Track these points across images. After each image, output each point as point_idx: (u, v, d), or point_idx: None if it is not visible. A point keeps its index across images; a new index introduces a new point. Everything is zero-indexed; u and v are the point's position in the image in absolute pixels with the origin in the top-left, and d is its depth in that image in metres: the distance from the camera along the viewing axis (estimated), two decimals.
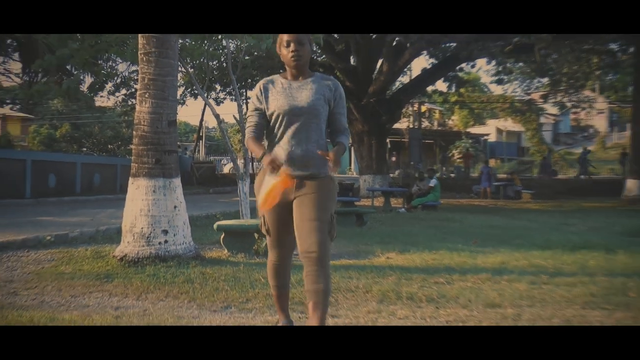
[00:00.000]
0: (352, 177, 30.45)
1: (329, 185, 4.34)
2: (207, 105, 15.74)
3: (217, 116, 12.06)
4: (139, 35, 7.86)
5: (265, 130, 4.41)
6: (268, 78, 4.50)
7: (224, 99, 27.44)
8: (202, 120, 41.05)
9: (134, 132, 7.92)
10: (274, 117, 4.30)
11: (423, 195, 19.34)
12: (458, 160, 40.12)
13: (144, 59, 7.75)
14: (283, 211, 4.27)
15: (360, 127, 25.33)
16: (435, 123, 49.88)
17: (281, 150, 4.27)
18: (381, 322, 5.25)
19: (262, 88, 4.38)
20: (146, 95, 7.72)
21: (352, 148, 32.46)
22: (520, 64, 29.20)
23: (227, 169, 41.22)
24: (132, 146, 7.86)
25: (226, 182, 28.61)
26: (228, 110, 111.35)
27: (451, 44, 25.19)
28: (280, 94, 4.33)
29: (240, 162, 11.07)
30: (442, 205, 19.99)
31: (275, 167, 3.93)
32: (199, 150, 42.72)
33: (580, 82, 32.10)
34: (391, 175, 28.89)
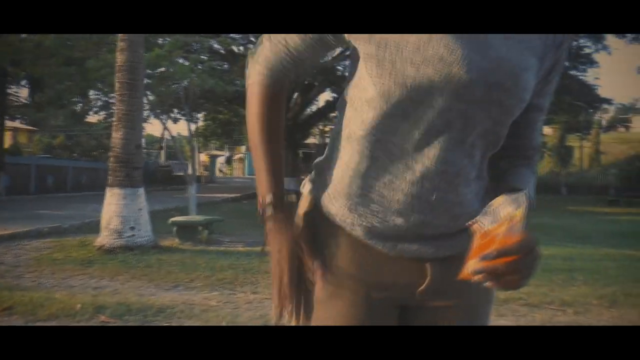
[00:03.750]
0: None
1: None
2: (165, 126, 15.61)
3: (172, 136, 11.89)
4: (116, 80, 7.76)
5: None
6: None
7: (180, 119, 26.86)
8: (163, 134, 40.45)
9: (111, 153, 7.77)
10: (408, 90, 0.93)
11: None
12: None
13: (118, 98, 7.71)
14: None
15: None
16: None
17: (394, 191, 1.01)
18: None
19: None
20: (120, 126, 7.62)
21: None
22: None
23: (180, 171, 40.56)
24: (109, 163, 7.72)
25: (179, 181, 27.90)
26: (182, 127, 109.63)
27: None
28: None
29: (189, 168, 10.90)
30: None
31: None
32: (160, 157, 41.88)
33: None
34: (302, 177, 28.97)
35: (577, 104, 27.53)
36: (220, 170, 45.38)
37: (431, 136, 0.98)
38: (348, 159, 1.06)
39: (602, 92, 26.48)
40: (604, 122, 45.70)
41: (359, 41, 0.99)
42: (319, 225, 1.13)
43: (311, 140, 36.52)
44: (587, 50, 24.49)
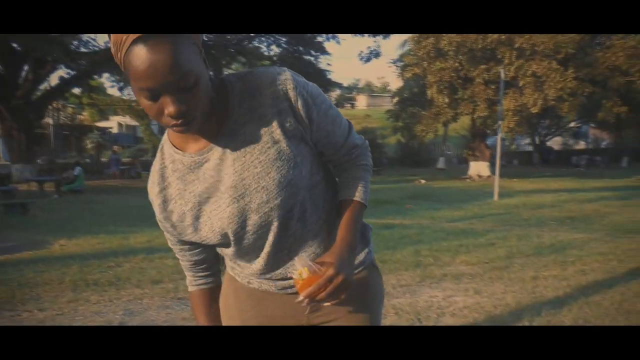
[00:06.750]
0: (4, 165, 27.20)
1: (374, 288, 1.57)
2: None
3: None
4: None
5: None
6: (157, 165, 1.40)
7: None
8: None
9: None
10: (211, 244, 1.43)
11: (71, 182, 18.24)
12: (90, 149, 38.38)
13: None
14: None
15: (10, 124, 22.73)
16: (71, 118, 46.96)
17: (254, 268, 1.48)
18: (81, 308, 4.74)
19: (155, 200, 1.42)
20: None
21: (1, 141, 28.85)
22: None
23: None
24: None
25: None
26: None
27: (82, 62, 23.83)
28: (192, 198, 1.35)
29: None
30: (86, 188, 18.75)
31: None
32: None
33: None
34: (39, 161, 26.52)
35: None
36: None
37: (258, 244, 1.40)
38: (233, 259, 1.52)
39: (333, 76, 29.45)
40: (334, 101, 50.85)
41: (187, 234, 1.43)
42: (231, 284, 1.58)
43: (46, 120, 33.62)
44: (319, 39, 26.93)
